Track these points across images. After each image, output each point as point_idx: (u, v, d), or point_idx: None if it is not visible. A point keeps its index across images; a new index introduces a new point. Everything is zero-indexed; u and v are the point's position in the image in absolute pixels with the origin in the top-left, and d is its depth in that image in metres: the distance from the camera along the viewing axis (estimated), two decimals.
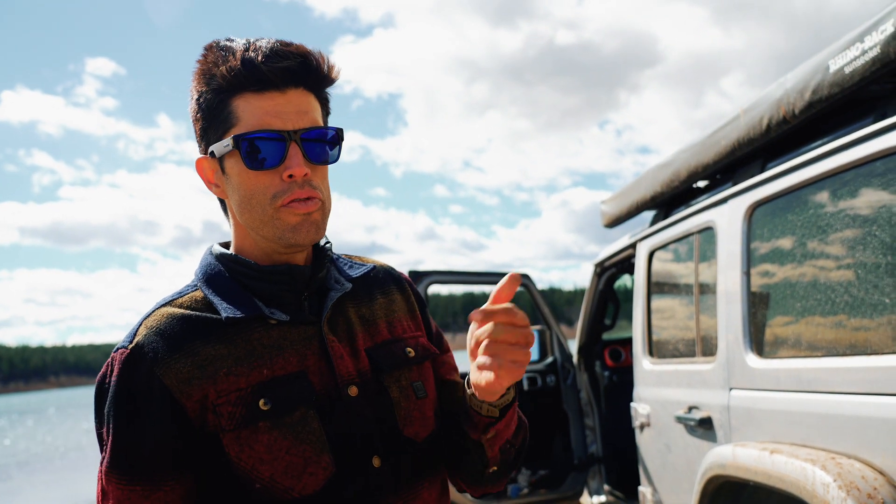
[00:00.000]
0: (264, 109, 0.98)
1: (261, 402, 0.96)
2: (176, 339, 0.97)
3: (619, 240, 3.56)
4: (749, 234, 2.24)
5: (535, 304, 3.96)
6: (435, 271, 3.64)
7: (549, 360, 3.97)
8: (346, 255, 1.20)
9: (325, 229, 1.03)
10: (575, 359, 4.03)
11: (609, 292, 4.04)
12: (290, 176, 0.98)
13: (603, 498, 3.86)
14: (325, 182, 1.03)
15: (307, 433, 0.97)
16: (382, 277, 1.18)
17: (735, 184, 2.36)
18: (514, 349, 0.91)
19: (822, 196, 1.92)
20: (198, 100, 1.02)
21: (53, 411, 52.27)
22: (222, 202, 1.09)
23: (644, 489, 3.01)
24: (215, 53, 1.00)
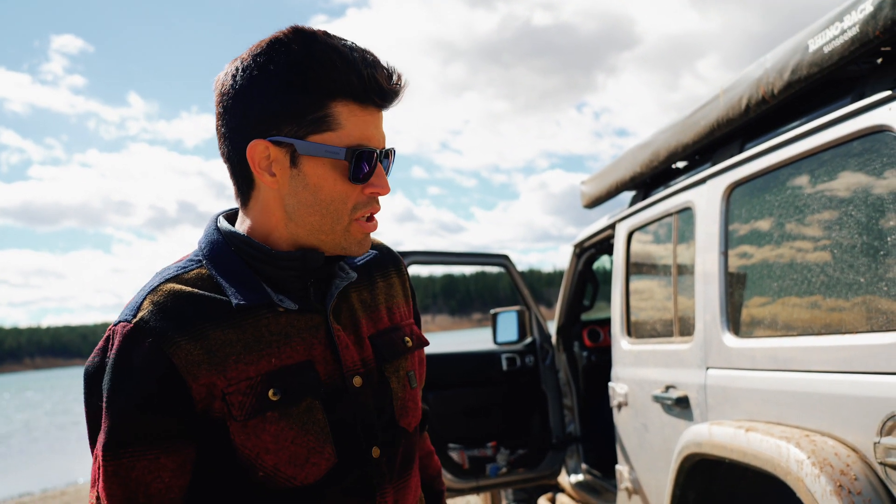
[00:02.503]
0: (367, 123, 0.99)
1: (270, 393, 0.95)
2: (184, 318, 0.95)
3: (598, 221, 3.57)
4: (727, 215, 2.25)
5: (515, 286, 3.96)
6: (416, 251, 3.63)
7: (528, 340, 3.98)
8: None
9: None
10: (553, 339, 4.05)
11: (588, 273, 4.05)
12: (376, 193, 1.01)
13: (581, 477, 3.90)
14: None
15: (312, 424, 0.98)
16: (382, 259, 1.18)
17: (714, 164, 2.36)
18: None
19: (800, 176, 1.93)
20: (283, 85, 0.96)
21: (31, 394, 51.78)
22: (247, 186, 1.04)
23: (621, 468, 3.04)
24: (324, 50, 0.95)
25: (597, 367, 4.12)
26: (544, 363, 3.92)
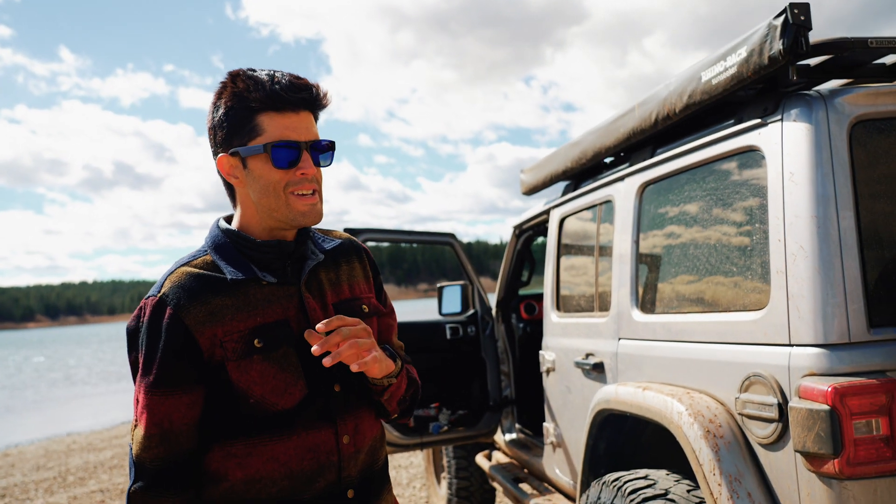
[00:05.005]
0: (284, 125, 1.32)
1: (255, 341, 1.31)
2: (193, 291, 1.31)
3: (536, 205, 3.95)
4: (640, 209, 2.65)
5: (460, 262, 4.34)
6: (369, 229, 3.95)
7: (471, 312, 4.37)
8: (321, 230, 1.53)
9: (322, 215, 1.39)
10: (493, 312, 4.44)
11: (526, 252, 4.46)
12: (303, 174, 1.33)
13: (514, 435, 4.33)
14: (321, 180, 1.39)
15: (288, 364, 1.33)
16: (347, 249, 1.53)
17: (631, 165, 2.75)
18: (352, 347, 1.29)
19: (695, 181, 2.33)
20: (225, 113, 1.34)
21: None
22: (230, 190, 1.42)
23: (548, 425, 3.46)
24: (245, 81, 1.32)
25: (531, 337, 4.54)
26: (484, 333, 4.31)
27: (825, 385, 1.67)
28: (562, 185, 3.65)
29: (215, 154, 1.39)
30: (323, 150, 1.38)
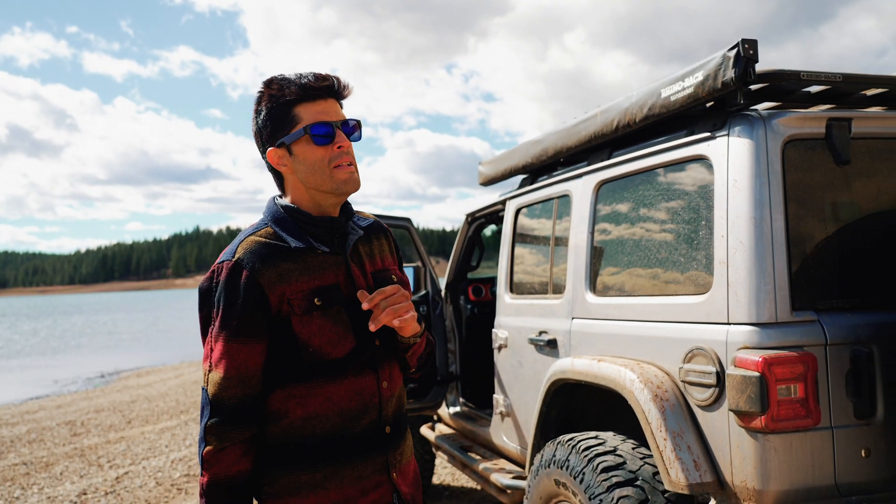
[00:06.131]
0: (317, 111, 1.58)
1: (315, 300, 1.56)
2: (264, 256, 1.55)
3: (490, 196, 4.27)
4: (595, 204, 2.99)
5: (414, 245, 4.61)
6: None
7: (423, 293, 4.65)
8: (358, 211, 1.78)
9: (360, 183, 1.64)
10: (443, 293, 4.74)
11: (477, 239, 4.77)
12: (340, 147, 1.59)
13: (458, 408, 4.65)
14: (354, 154, 1.65)
15: (340, 321, 1.59)
16: (377, 228, 1.80)
17: (589, 165, 3.09)
18: (397, 309, 1.58)
19: (648, 182, 2.69)
20: (267, 114, 1.59)
21: None
22: (280, 180, 1.66)
23: (498, 396, 3.79)
24: (279, 83, 1.59)
25: (478, 318, 4.87)
26: (434, 312, 4.60)
27: (757, 356, 2.05)
28: (516, 179, 3.98)
29: (264, 153, 1.63)
30: (352, 128, 1.64)
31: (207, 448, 1.51)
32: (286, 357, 1.56)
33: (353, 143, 1.64)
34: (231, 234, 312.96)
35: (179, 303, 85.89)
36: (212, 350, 1.54)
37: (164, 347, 23.46)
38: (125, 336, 30.92)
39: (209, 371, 1.54)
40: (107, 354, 22.21)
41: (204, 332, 1.57)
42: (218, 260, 1.58)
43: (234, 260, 1.55)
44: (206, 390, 1.54)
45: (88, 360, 20.69)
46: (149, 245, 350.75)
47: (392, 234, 1.87)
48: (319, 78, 1.59)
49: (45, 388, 14.70)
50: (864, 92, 2.48)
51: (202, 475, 1.53)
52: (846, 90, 2.43)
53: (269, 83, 1.60)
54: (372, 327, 1.55)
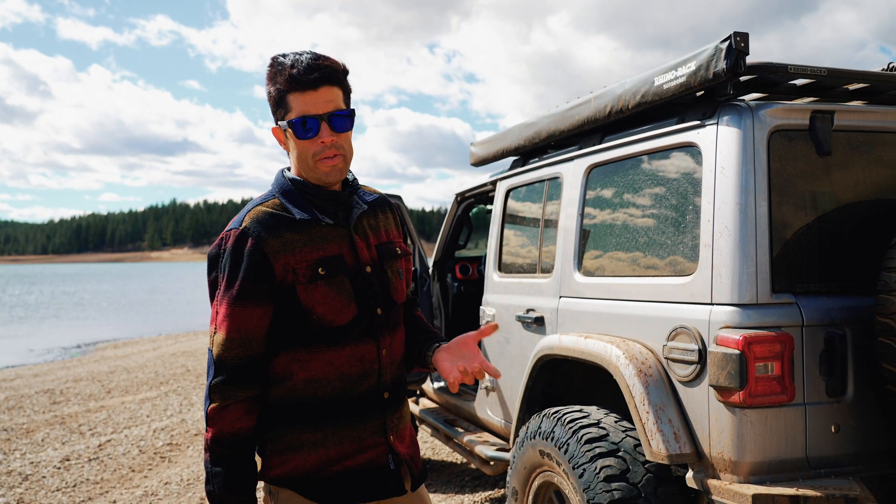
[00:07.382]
0: (305, 102, 1.62)
1: (319, 269, 1.64)
2: (269, 226, 1.63)
3: (470, 178, 4.35)
4: (586, 187, 3.09)
5: (403, 222, 4.68)
6: None
7: (411, 269, 4.74)
8: (364, 185, 1.85)
9: (346, 172, 1.70)
10: (431, 271, 4.83)
11: (465, 218, 4.86)
12: (322, 142, 1.63)
13: (442, 383, 4.76)
14: (347, 142, 1.68)
15: (343, 290, 1.67)
16: (382, 203, 1.87)
17: (580, 149, 3.18)
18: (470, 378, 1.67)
19: (638, 167, 2.78)
20: (268, 93, 1.66)
21: None
22: (285, 152, 1.74)
23: None
24: (275, 67, 1.64)
25: (464, 295, 4.97)
26: (422, 290, 4.69)
27: (738, 335, 2.17)
28: (507, 160, 4.06)
29: (272, 125, 1.71)
30: (341, 119, 1.65)
31: (212, 405, 1.60)
32: (291, 323, 1.64)
33: (347, 134, 1.66)
34: (209, 208, 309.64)
35: (154, 277, 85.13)
36: (217, 313, 1.62)
37: (141, 321, 23.36)
38: (101, 307, 30.69)
39: (214, 332, 1.62)
40: (83, 325, 22.09)
41: (212, 297, 1.65)
42: (226, 228, 1.65)
43: (241, 228, 1.62)
44: (212, 351, 1.62)
45: (64, 330, 20.58)
46: (124, 217, 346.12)
47: (400, 209, 1.95)
48: (311, 67, 1.59)
49: (20, 357, 14.64)
50: (846, 86, 2.59)
51: (207, 431, 1.62)
52: (830, 84, 2.54)
53: (272, 63, 1.64)
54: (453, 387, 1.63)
